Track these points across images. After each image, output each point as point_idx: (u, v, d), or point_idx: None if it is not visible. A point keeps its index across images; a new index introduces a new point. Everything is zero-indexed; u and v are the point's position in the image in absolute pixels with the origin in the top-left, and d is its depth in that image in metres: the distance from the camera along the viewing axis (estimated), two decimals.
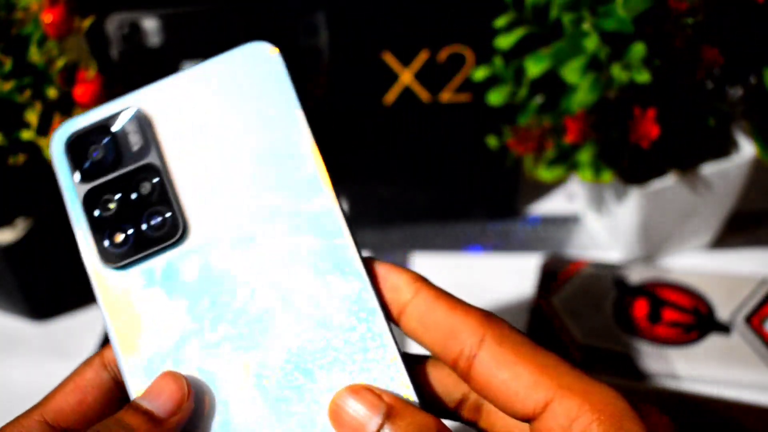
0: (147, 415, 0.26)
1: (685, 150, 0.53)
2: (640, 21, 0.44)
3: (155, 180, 0.29)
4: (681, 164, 0.52)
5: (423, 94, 0.57)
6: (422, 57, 0.55)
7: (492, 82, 0.54)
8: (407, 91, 0.57)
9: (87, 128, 0.29)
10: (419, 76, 0.56)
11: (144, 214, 0.29)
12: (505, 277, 0.59)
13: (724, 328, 0.54)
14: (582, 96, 0.47)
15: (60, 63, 0.48)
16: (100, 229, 0.29)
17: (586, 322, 0.55)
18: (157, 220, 0.29)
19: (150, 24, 0.53)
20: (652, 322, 0.55)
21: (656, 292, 0.56)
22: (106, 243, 0.29)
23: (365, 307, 0.28)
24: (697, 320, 0.55)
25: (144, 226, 0.29)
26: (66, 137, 0.29)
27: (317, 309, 0.28)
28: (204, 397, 0.28)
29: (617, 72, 0.46)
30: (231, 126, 0.29)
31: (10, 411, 0.57)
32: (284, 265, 0.28)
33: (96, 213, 0.29)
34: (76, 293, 0.59)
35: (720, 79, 0.51)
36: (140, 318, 0.28)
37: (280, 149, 0.29)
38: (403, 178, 0.62)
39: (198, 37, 0.56)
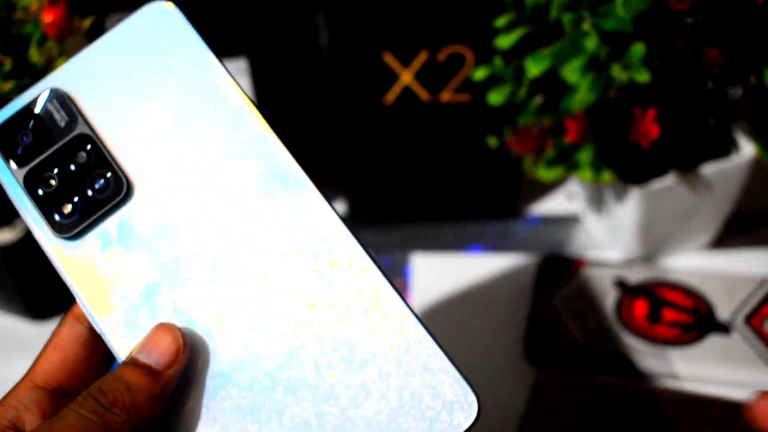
0: (145, 369, 0.26)
1: (685, 150, 0.53)
2: (640, 21, 0.44)
3: (89, 147, 0.30)
4: (681, 164, 0.52)
5: (423, 94, 0.57)
6: (422, 57, 0.55)
7: (492, 82, 0.54)
8: (407, 91, 0.57)
9: (10, 117, 0.30)
10: (419, 76, 0.56)
11: (86, 181, 0.30)
12: (505, 277, 0.59)
13: (724, 328, 0.54)
14: (582, 96, 0.47)
15: (60, 63, 0.48)
16: (47, 206, 0.30)
17: (586, 322, 0.55)
18: (100, 183, 0.30)
19: None
20: (652, 322, 0.55)
21: (656, 292, 0.56)
22: (56, 217, 0.29)
23: (319, 214, 0.29)
24: (697, 320, 0.55)
25: (89, 192, 0.30)
26: None
27: (275, 228, 0.29)
28: (188, 338, 0.28)
29: (617, 72, 0.46)
30: (149, 84, 0.30)
31: None
32: (232, 195, 0.29)
33: (40, 192, 0.30)
34: None
35: (720, 79, 0.50)
36: (106, 279, 0.29)
37: (201, 93, 0.30)
38: (403, 178, 0.62)
39: None
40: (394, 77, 0.56)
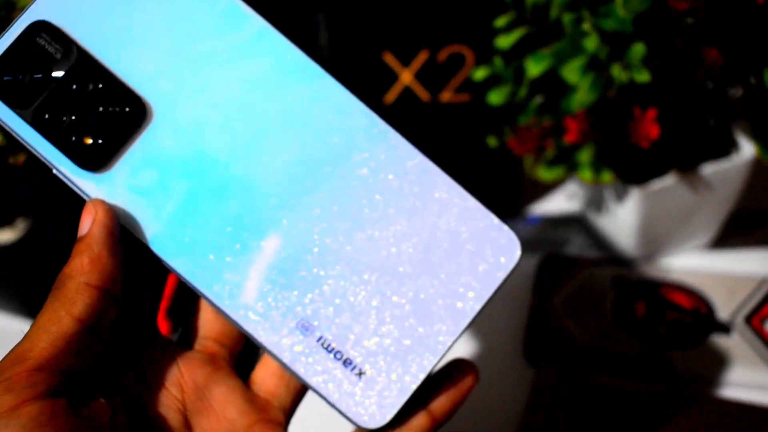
0: (79, 240, 0.28)
1: (685, 150, 0.53)
2: (640, 21, 0.44)
3: (95, 74, 0.28)
4: (681, 164, 0.52)
5: (423, 94, 0.57)
6: (422, 57, 0.55)
7: (492, 82, 0.54)
8: (407, 91, 0.57)
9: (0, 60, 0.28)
10: (419, 76, 0.56)
11: (102, 108, 0.28)
12: None
13: (724, 328, 0.54)
14: (582, 96, 0.47)
15: None
16: (66, 142, 0.28)
17: (586, 322, 0.55)
18: (118, 109, 0.28)
19: None
20: (652, 322, 0.55)
21: (656, 292, 0.56)
22: (80, 151, 0.28)
23: (341, 99, 0.30)
24: (697, 320, 0.54)
25: (108, 120, 0.28)
26: None
27: (302, 119, 0.29)
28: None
29: (617, 72, 0.46)
30: (137, 4, 0.29)
31: None
32: (247, 93, 0.29)
33: (54, 130, 0.28)
34: None
35: (720, 79, 0.50)
36: (142, 203, 0.29)
37: (190, 3, 0.29)
38: None
39: None
40: (394, 77, 0.56)
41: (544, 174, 0.53)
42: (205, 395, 0.30)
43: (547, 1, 0.49)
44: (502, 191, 0.63)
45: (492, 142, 0.56)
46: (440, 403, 0.30)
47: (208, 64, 0.29)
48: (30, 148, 0.29)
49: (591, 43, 0.46)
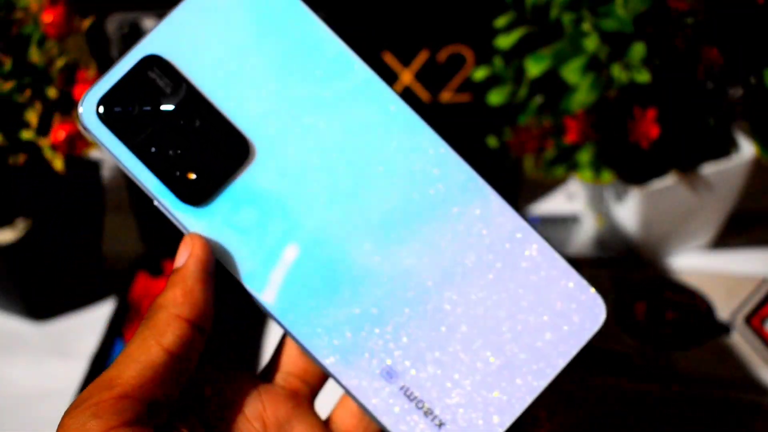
0: (174, 272, 0.29)
1: (685, 150, 0.53)
2: (640, 21, 0.44)
3: (203, 110, 0.29)
4: (681, 164, 0.52)
5: (423, 94, 0.57)
6: (422, 57, 0.55)
7: (492, 82, 0.54)
8: (407, 91, 0.57)
9: (112, 89, 0.29)
10: (419, 76, 0.56)
11: (207, 145, 0.29)
12: None
13: (724, 328, 0.54)
14: (582, 96, 0.47)
15: (60, 63, 0.48)
16: (170, 177, 0.29)
17: None
18: (223, 146, 0.29)
19: (150, 24, 0.53)
20: (652, 322, 0.55)
21: (656, 293, 0.56)
22: (183, 186, 0.29)
23: (440, 152, 0.31)
24: (697, 320, 0.54)
25: (213, 156, 0.29)
26: (95, 108, 0.29)
27: (394, 167, 0.30)
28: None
29: (617, 72, 0.46)
30: (243, 39, 0.29)
31: (10, 411, 0.57)
32: (349, 139, 0.30)
33: (160, 164, 0.29)
34: (76, 293, 0.59)
35: (720, 79, 0.50)
36: (239, 241, 0.29)
37: (297, 44, 0.30)
38: None
39: None
40: (394, 77, 0.56)
41: (545, 174, 0.53)
42: (286, 431, 0.30)
43: (547, 1, 0.49)
44: (502, 191, 0.63)
45: (492, 142, 0.56)
46: None
47: (312, 108, 0.29)
48: (133, 179, 0.29)
49: (591, 43, 0.46)
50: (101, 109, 0.28)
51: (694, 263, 0.59)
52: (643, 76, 0.44)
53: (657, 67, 0.46)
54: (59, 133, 0.47)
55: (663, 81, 0.47)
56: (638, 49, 0.44)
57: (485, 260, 0.30)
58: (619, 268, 0.58)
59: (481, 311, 0.29)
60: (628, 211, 0.54)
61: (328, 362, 0.29)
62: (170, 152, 0.29)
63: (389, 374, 0.29)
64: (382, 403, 0.29)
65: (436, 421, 0.29)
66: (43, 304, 0.58)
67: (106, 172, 0.68)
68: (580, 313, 0.30)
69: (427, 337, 0.29)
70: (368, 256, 0.30)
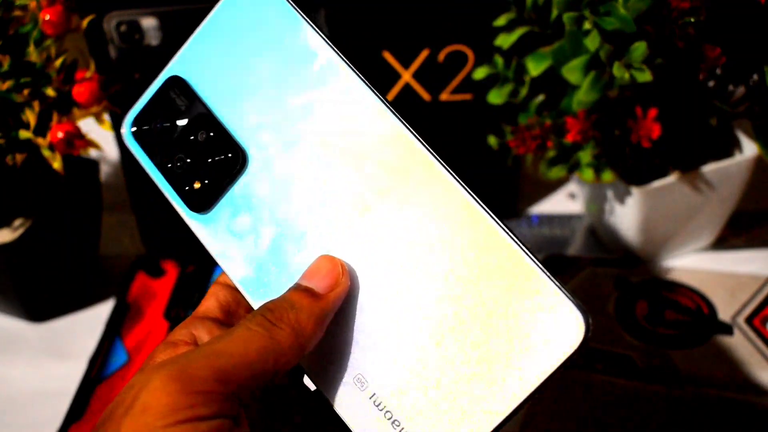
0: (308, 291, 0.29)
1: (687, 149, 0.52)
2: (642, 20, 0.44)
3: (207, 125, 0.32)
4: (682, 164, 0.52)
5: (423, 94, 0.57)
6: (422, 57, 0.55)
7: (492, 81, 0.54)
8: (407, 91, 0.57)
9: (144, 108, 0.33)
10: (419, 75, 0.56)
11: (209, 156, 0.32)
12: None
13: (726, 329, 0.54)
14: (583, 95, 0.47)
15: (58, 62, 0.48)
16: (181, 185, 0.32)
17: None
18: (220, 156, 0.32)
19: (148, 23, 0.53)
20: (653, 322, 0.55)
21: (658, 293, 0.56)
22: (190, 195, 0.32)
23: (421, 159, 0.30)
24: (698, 321, 0.54)
25: (214, 166, 0.32)
26: (130, 128, 0.33)
27: (378, 172, 0.30)
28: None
29: (618, 71, 0.45)
30: (251, 59, 0.32)
31: (10, 411, 0.57)
32: (335, 145, 0.30)
33: (174, 176, 0.32)
34: (75, 294, 0.59)
35: (722, 78, 0.50)
36: (238, 242, 0.31)
37: (301, 62, 0.31)
38: None
39: None
40: (394, 77, 0.56)
41: (545, 173, 0.53)
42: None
43: (547, 1, 0.49)
44: (502, 191, 0.63)
45: (492, 141, 0.55)
46: None
47: (308, 119, 0.31)
48: (162, 192, 0.32)
49: (592, 42, 0.45)
50: (134, 129, 0.33)
51: (695, 263, 0.59)
52: (645, 76, 0.44)
53: (658, 66, 0.46)
54: (57, 132, 0.47)
55: (664, 80, 0.47)
56: (639, 49, 0.44)
57: (464, 276, 0.29)
58: (620, 268, 0.58)
59: (458, 327, 0.29)
60: (629, 211, 0.54)
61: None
62: (180, 164, 0.32)
63: (360, 382, 0.30)
64: (352, 410, 0.30)
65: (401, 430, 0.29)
66: (41, 304, 0.58)
67: (104, 172, 0.68)
68: (560, 332, 0.28)
69: (401, 350, 0.29)
70: (349, 261, 0.30)
